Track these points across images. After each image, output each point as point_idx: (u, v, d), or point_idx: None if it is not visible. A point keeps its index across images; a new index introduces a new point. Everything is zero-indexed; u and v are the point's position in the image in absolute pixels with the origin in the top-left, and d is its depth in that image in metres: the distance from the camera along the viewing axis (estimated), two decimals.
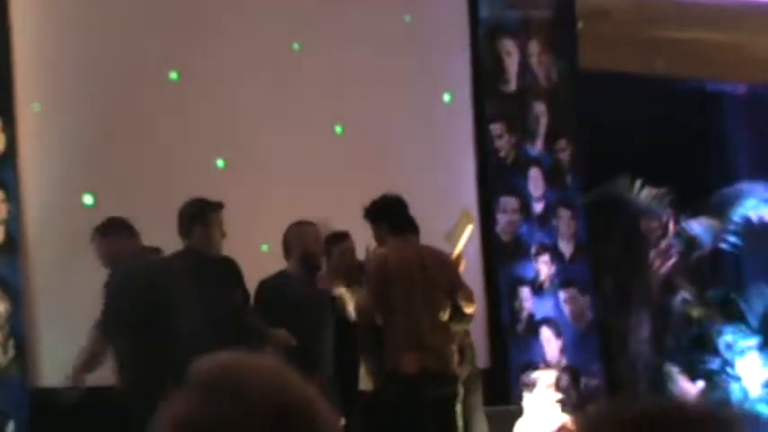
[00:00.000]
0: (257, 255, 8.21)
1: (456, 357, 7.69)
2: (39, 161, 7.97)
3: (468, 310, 7.67)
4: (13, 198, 7.86)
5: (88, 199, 7.96)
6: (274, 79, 8.63)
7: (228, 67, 8.47)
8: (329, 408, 1.63)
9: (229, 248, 7.98)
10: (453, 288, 7.55)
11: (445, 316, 7.49)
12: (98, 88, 8.08)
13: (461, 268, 7.88)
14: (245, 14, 8.61)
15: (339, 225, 7.81)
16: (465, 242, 8.02)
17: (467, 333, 8.28)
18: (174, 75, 8.32)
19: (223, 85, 8.45)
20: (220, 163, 8.38)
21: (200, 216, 7.02)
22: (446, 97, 9.56)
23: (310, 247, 7.63)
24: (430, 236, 7.72)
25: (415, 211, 7.53)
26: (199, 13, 8.49)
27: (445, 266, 7.61)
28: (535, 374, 8.73)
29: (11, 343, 7.79)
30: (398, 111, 9.16)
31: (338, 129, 8.89)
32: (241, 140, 8.44)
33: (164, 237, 7.28)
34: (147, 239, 7.27)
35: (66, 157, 7.95)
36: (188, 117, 8.31)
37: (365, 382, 7.53)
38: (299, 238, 7.75)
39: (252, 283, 7.39)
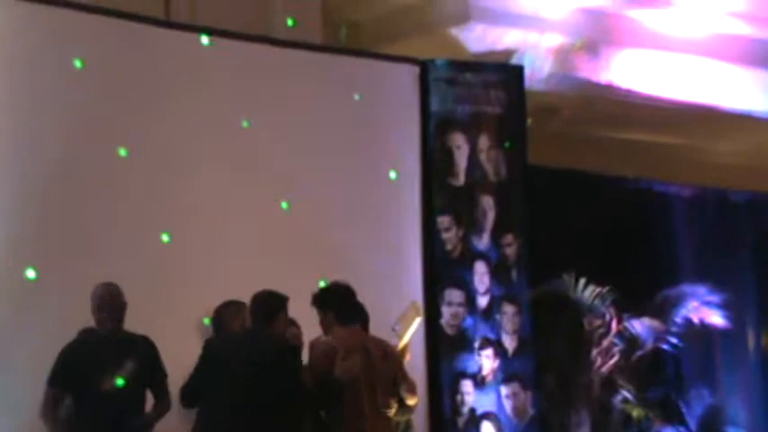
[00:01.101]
0: (199, 328, 8.18)
1: None
2: None
3: (410, 401, 7.65)
4: None
5: (31, 273, 7.85)
6: (223, 155, 8.63)
7: (178, 143, 8.45)
8: None
9: (172, 321, 7.96)
10: (396, 379, 7.52)
11: (388, 406, 7.45)
12: (45, 162, 8.01)
13: (406, 359, 7.86)
14: (196, 91, 8.62)
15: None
16: (411, 334, 8.01)
17: (408, 425, 8.24)
18: (122, 151, 8.29)
19: (172, 161, 8.43)
20: (165, 237, 8.33)
21: (282, 307, 7.32)
22: (392, 174, 9.58)
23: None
24: (373, 319, 7.75)
25: (361, 294, 7.57)
26: (149, 89, 8.48)
27: (389, 357, 7.59)
28: None
29: None
30: (345, 188, 9.18)
31: (284, 204, 8.88)
32: (187, 215, 8.41)
33: None
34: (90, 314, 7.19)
35: (9, 231, 7.84)
36: (135, 192, 8.27)
37: None
38: (232, 318, 7.82)
39: (191, 356, 7.41)
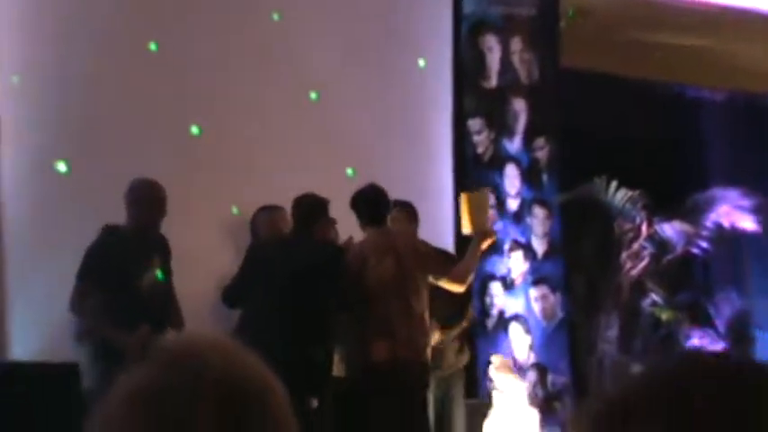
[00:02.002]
0: (229, 217, 8.24)
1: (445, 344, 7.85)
2: (13, 128, 7.88)
3: (457, 288, 7.59)
4: None
5: (62, 167, 7.88)
6: (252, 48, 8.60)
7: (208, 36, 8.44)
8: (287, 397, 1.63)
9: (200, 213, 8.00)
10: (433, 275, 7.51)
11: (420, 305, 7.46)
12: (77, 56, 8.02)
13: (490, 241, 7.85)
14: None
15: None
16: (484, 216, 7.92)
17: (462, 348, 8.36)
18: (153, 46, 8.28)
19: (201, 55, 8.41)
20: (195, 130, 8.34)
21: (324, 210, 7.47)
22: (421, 62, 9.49)
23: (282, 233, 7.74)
24: None
25: (391, 190, 7.62)
26: None
27: (419, 255, 7.59)
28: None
29: None
30: (374, 76, 9.12)
31: (313, 95, 8.86)
32: (216, 107, 8.41)
33: None
34: (120, 208, 7.21)
35: (40, 124, 7.87)
36: (165, 86, 8.27)
37: (338, 369, 7.51)
38: (268, 224, 7.85)
39: (221, 247, 7.41)
